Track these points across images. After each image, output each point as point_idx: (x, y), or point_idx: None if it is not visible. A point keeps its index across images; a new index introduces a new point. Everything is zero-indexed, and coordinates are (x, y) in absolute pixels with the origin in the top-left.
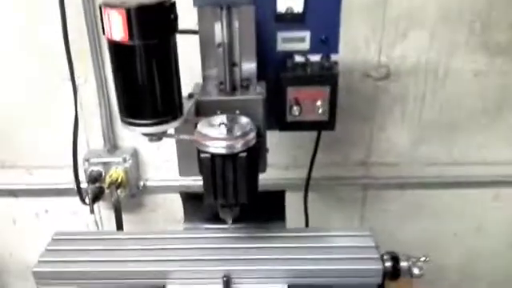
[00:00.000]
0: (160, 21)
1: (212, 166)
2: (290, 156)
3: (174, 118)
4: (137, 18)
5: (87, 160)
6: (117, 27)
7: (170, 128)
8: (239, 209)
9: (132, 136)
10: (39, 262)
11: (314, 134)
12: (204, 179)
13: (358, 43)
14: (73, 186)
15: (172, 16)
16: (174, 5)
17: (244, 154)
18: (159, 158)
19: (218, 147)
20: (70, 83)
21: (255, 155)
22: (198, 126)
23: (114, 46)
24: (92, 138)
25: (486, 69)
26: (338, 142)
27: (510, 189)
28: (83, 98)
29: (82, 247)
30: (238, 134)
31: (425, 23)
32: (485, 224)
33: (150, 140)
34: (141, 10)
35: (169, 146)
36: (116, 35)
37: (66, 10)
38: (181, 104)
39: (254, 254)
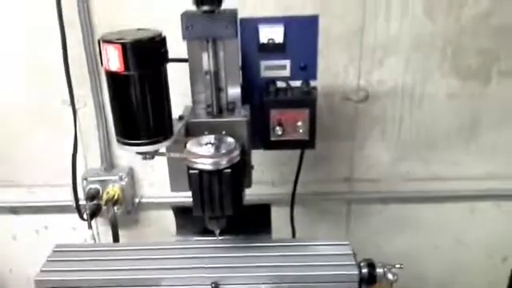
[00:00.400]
0: (152, 53)
1: (200, 181)
2: (276, 173)
3: (165, 139)
4: (131, 52)
5: (85, 178)
6: (113, 60)
7: (162, 147)
8: (226, 221)
9: (128, 155)
10: (41, 271)
11: (298, 152)
12: (193, 193)
13: (337, 69)
14: (72, 203)
15: (162, 49)
16: (164, 39)
17: (228, 170)
18: (153, 176)
19: (205, 164)
20: (69, 108)
21: (239, 171)
22: (188, 145)
23: (111, 76)
24: (90, 158)
25: (458, 92)
26: (322, 159)
27: (485, 202)
28: (82, 120)
29: (82, 258)
30: (223, 151)
31: (399, 49)
32: (463, 237)
33: (144, 158)
34: (135, 44)
35: (161, 164)
36: (113, 66)
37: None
38: (171, 126)
39: (240, 262)
